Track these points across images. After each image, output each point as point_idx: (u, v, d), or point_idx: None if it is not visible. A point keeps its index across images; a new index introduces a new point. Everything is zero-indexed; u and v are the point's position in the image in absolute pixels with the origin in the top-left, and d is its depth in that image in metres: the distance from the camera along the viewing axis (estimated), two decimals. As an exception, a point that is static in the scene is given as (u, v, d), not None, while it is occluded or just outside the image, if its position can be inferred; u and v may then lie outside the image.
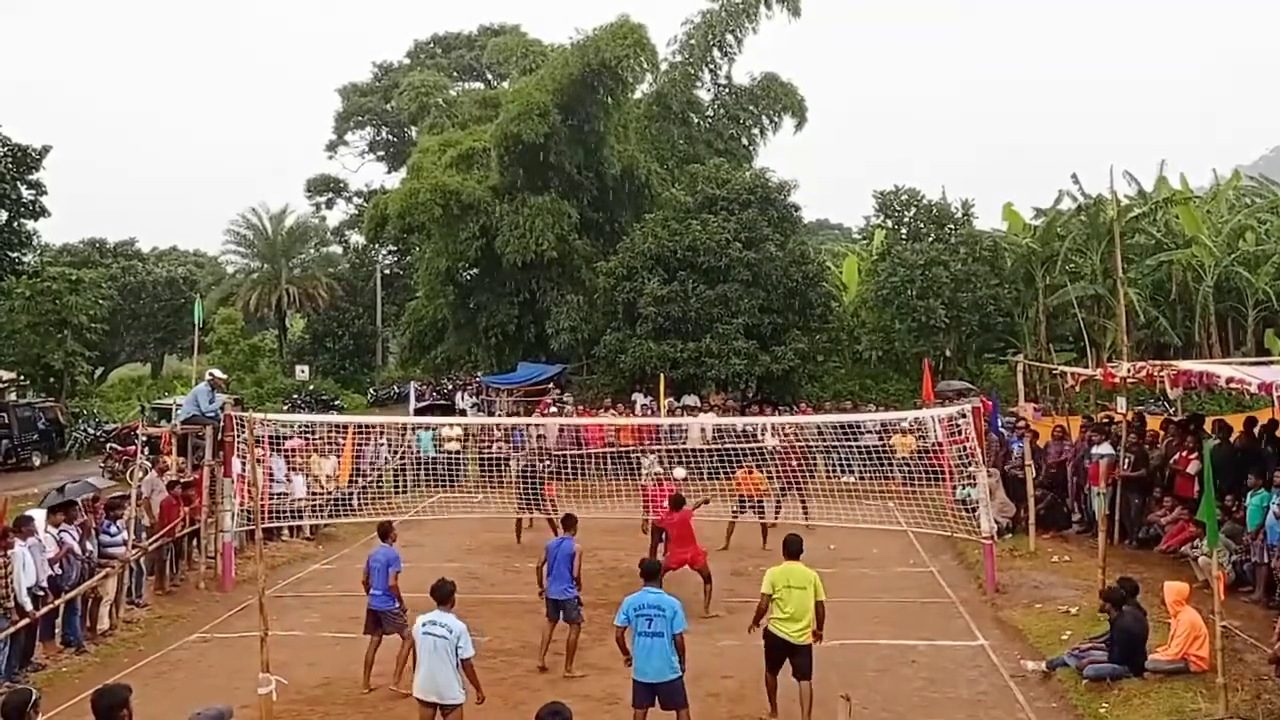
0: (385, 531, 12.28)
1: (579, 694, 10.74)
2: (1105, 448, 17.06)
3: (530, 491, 19.34)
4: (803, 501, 19.83)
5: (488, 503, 21.12)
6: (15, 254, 41.85)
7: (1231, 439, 16.24)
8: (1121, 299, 17.06)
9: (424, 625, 9.10)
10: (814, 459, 22.12)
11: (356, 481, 22.21)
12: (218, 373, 18.54)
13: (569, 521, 12.77)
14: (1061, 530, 18.29)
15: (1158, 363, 15.85)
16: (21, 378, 39.87)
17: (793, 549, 10.40)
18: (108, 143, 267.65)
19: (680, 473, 18.55)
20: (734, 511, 18.88)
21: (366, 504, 21.91)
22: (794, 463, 20.37)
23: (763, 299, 32.59)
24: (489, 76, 56.37)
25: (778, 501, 19.98)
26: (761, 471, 19.46)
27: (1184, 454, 16.24)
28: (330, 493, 21.18)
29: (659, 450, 23.06)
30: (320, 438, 22.34)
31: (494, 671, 12.15)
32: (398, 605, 11.66)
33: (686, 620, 9.40)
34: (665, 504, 15.92)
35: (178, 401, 19.99)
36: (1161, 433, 18.00)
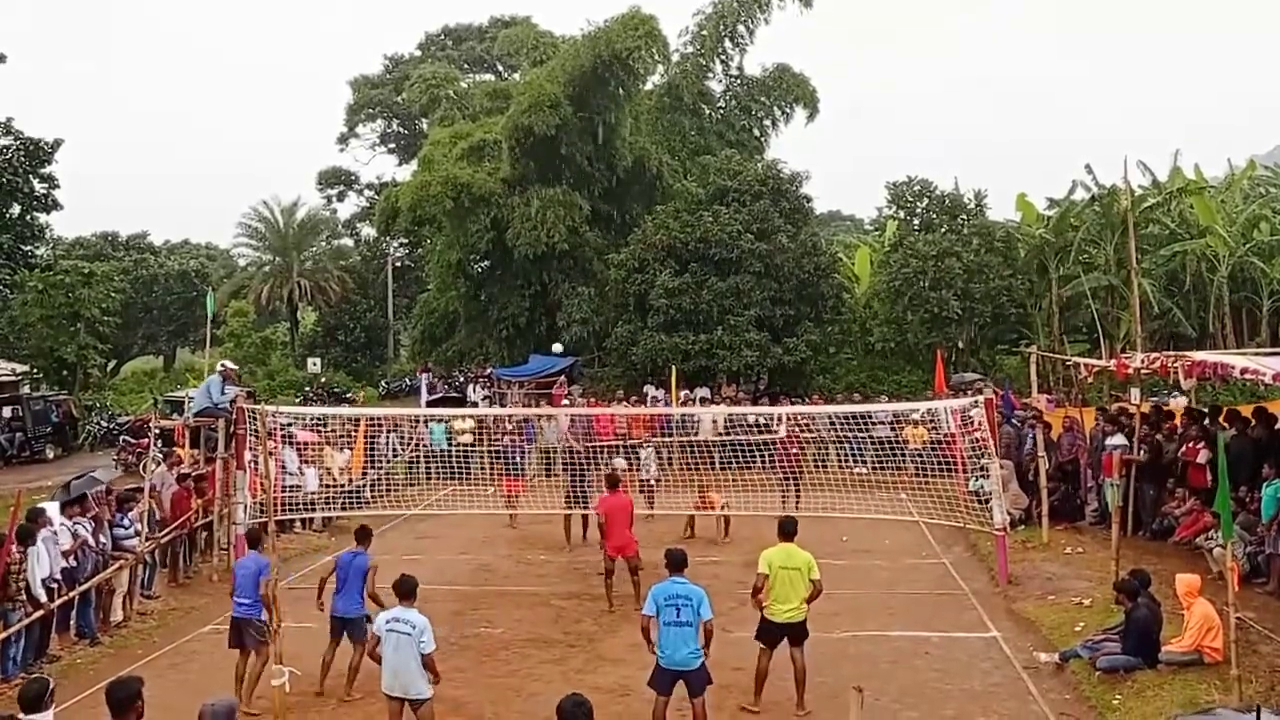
0: (256, 539, 11.68)
1: (590, 685, 10.74)
2: (1118, 439, 17.05)
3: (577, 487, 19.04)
4: (796, 491, 19.86)
5: (499, 496, 21.11)
6: (28, 247, 42.17)
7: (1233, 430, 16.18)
8: (1135, 290, 16.92)
9: (387, 622, 9.06)
10: (826, 448, 22.11)
11: (369, 474, 22.26)
12: (230, 364, 18.63)
13: (363, 534, 11.71)
14: (1074, 522, 18.23)
15: (1172, 353, 15.76)
16: (34, 371, 40.05)
17: (787, 530, 10.71)
18: (119, 136, 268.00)
19: (620, 463, 18.50)
20: (695, 504, 19.16)
21: (379, 496, 22.01)
22: (794, 450, 20.42)
23: (774, 291, 32.55)
24: (500, 68, 56.45)
25: (782, 493, 20.13)
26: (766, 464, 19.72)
27: (1191, 444, 16.20)
28: (343, 485, 21.23)
29: (665, 441, 23.08)
30: (332, 430, 22.40)
31: (506, 664, 12.21)
32: (263, 615, 10.96)
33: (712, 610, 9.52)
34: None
35: (190, 394, 20.06)
36: (1178, 424, 17.90)
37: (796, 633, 10.48)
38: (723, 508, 19.00)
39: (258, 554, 11.38)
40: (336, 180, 64.26)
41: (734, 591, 14.74)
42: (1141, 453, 15.86)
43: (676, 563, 9.76)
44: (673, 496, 20.42)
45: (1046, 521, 17.36)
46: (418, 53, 61.16)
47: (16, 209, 41.18)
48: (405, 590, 9.26)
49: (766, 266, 32.40)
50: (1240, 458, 14.25)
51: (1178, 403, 23.12)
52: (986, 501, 16.32)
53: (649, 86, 40.08)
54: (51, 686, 7.16)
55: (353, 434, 22.30)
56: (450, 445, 23.87)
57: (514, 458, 21.02)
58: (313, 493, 20.40)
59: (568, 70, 35.28)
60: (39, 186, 41.28)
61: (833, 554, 17.66)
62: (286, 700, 10.00)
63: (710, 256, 32.52)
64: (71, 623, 13.31)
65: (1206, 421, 16.97)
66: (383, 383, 51.07)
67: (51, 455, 33.12)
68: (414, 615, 9.03)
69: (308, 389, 45.14)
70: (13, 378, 38.34)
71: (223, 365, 18.20)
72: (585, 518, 18.51)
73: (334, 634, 11.24)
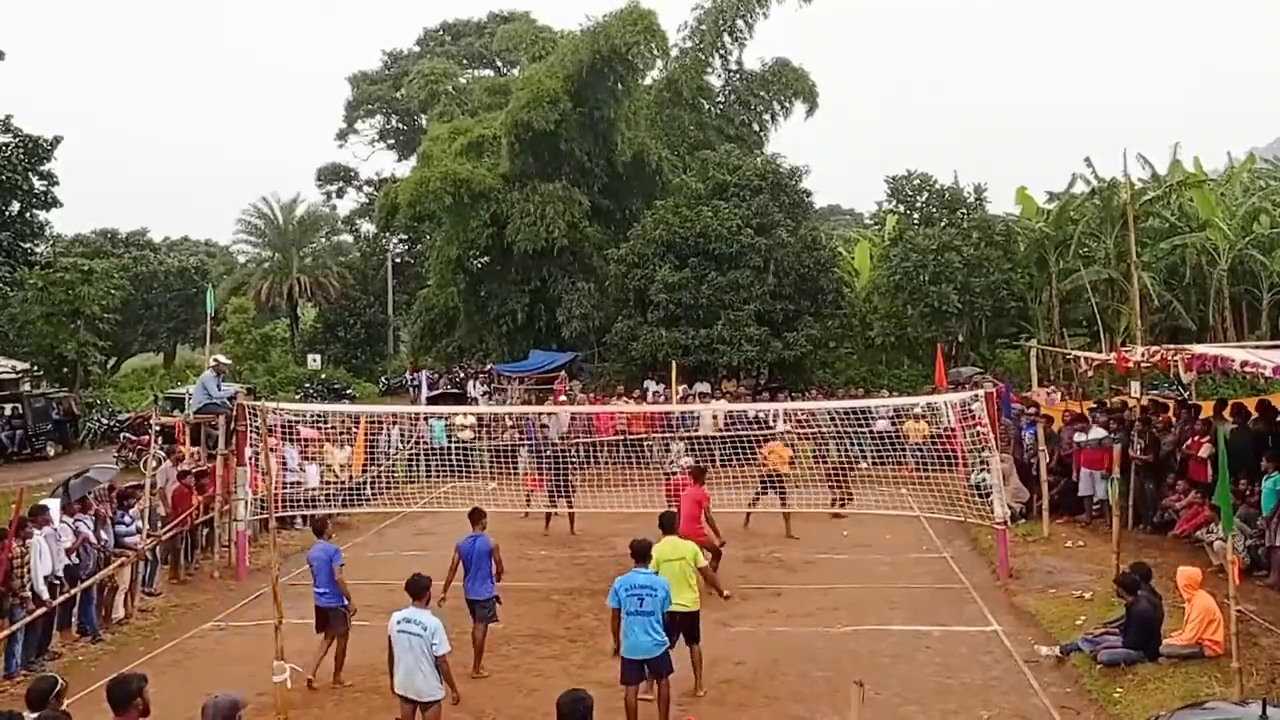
0: (321, 527, 11.85)
1: (591, 680, 10.73)
2: (1097, 432, 17.10)
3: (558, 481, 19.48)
4: (833, 489, 19.81)
5: (500, 492, 21.12)
6: (28, 245, 42.00)
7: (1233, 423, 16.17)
8: (1135, 283, 16.97)
9: (398, 623, 8.89)
10: (825, 445, 22.11)
11: (370, 470, 22.26)
12: (221, 358, 18.66)
13: (477, 516, 11.89)
14: (1075, 516, 18.23)
15: (1172, 347, 15.76)
16: (35, 368, 40.04)
17: (665, 525, 11.21)
18: (119, 136, 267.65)
19: (687, 461, 18.62)
20: (754, 495, 19.09)
21: (380, 492, 22.01)
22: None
23: (774, 285, 32.55)
24: (499, 64, 56.37)
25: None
26: (782, 443, 19.55)
27: (1196, 438, 16.18)
28: (344, 482, 21.23)
29: (683, 438, 23.10)
30: (333, 426, 22.40)
31: (507, 659, 12.19)
32: (346, 602, 11.45)
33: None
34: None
35: (189, 391, 20.08)
36: (1173, 418, 17.90)
37: (689, 625, 10.64)
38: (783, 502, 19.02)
39: (325, 543, 11.58)
40: (336, 176, 64.19)
41: (736, 586, 14.76)
42: (1137, 448, 15.88)
43: (639, 553, 9.98)
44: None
45: (1047, 515, 17.37)
46: (416, 48, 61.02)
47: (16, 206, 41.07)
48: (417, 590, 9.16)
49: (766, 261, 32.41)
50: (1240, 451, 14.24)
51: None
52: (987, 495, 16.32)
53: (648, 81, 40.11)
54: (61, 685, 7.14)
55: (353, 430, 22.32)
56: (450, 442, 23.87)
57: (537, 451, 21.21)
58: (313, 489, 20.40)
59: (567, 66, 35.27)
60: (38, 184, 41.17)
61: (833, 549, 17.71)
62: (289, 697, 10.02)
63: (710, 251, 32.51)
64: (73, 620, 13.31)
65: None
66: (383, 379, 51.03)
67: (52, 452, 33.09)
68: (425, 616, 8.87)
69: (308, 385, 45.13)
70: (13, 375, 38.31)
71: (215, 360, 18.21)
72: (571, 515, 19.20)
73: (473, 617, 11.44)
